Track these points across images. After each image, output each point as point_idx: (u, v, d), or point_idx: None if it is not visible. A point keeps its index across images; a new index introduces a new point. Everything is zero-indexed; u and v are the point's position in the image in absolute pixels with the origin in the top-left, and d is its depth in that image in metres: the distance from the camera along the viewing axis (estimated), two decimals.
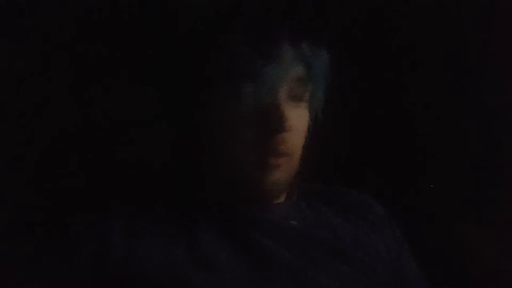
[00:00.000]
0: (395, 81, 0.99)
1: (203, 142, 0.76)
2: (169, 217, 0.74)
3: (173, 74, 0.78)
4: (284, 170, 0.74)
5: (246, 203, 0.75)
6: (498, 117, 0.95)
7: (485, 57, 0.95)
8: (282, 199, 0.80)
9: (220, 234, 0.73)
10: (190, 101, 0.76)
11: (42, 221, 0.76)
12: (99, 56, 0.87)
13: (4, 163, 0.80)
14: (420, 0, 0.95)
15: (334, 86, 0.79)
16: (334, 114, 0.80)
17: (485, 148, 0.95)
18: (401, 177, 0.98)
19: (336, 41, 0.80)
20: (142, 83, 0.86)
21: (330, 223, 0.80)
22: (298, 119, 0.75)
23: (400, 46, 0.98)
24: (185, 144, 0.79)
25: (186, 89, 0.76)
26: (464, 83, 0.96)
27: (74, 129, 0.85)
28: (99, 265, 0.69)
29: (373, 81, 0.98)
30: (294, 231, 0.77)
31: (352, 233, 0.80)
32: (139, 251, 0.70)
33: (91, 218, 0.73)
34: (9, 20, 0.81)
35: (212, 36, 0.75)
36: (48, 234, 0.72)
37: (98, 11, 0.86)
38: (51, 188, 0.82)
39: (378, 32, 0.98)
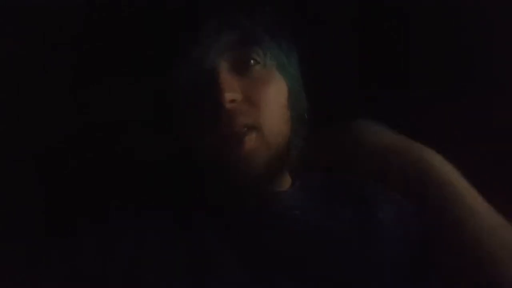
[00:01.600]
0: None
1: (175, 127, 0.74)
2: (167, 213, 0.71)
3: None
4: (255, 144, 0.69)
5: (237, 192, 0.72)
6: None
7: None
8: (282, 184, 0.77)
9: (220, 231, 0.70)
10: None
11: (43, 222, 0.74)
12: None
13: (4, 163, 0.80)
14: None
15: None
16: None
17: None
18: None
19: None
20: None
21: (331, 212, 0.77)
22: (254, 88, 0.71)
23: None
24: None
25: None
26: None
27: (73, 128, 0.84)
28: (101, 266, 0.67)
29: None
30: (298, 222, 0.74)
31: (355, 221, 0.76)
32: (141, 252, 0.68)
33: (92, 219, 0.71)
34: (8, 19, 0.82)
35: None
36: (49, 235, 0.71)
37: None
38: (51, 188, 0.81)
39: None
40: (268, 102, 0.72)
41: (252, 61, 0.72)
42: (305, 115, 0.77)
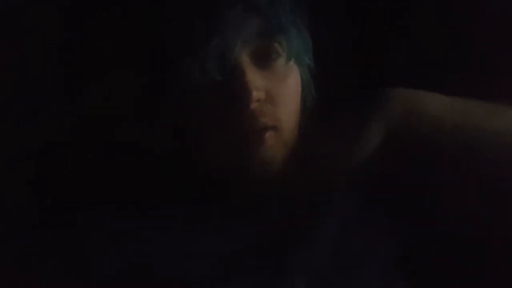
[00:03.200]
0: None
1: (185, 129, 0.70)
2: (174, 212, 0.68)
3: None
4: (274, 145, 0.66)
5: (242, 188, 0.69)
6: None
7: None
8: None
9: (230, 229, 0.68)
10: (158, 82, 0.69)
11: (41, 221, 0.73)
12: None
13: (3, 161, 0.77)
14: None
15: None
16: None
17: None
18: None
19: None
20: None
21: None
22: (276, 85, 0.67)
23: None
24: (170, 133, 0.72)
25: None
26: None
27: (70, 125, 0.80)
28: (104, 265, 0.65)
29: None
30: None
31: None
32: (144, 249, 0.66)
33: (93, 216, 0.69)
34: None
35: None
36: (50, 232, 0.69)
37: None
38: (51, 185, 0.78)
39: None
40: (287, 99, 0.68)
41: (274, 54, 0.67)
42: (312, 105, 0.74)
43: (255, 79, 0.65)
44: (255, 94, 0.64)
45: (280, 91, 0.67)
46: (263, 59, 0.67)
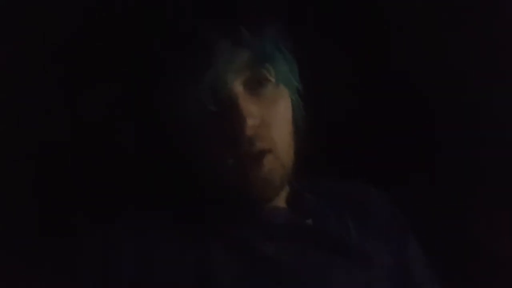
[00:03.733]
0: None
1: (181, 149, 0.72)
2: (176, 220, 0.71)
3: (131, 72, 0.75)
4: (271, 167, 0.69)
5: (240, 207, 0.71)
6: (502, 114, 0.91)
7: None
8: (281, 197, 0.76)
9: (228, 244, 0.69)
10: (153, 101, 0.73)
11: (42, 223, 0.75)
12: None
13: (5, 164, 0.78)
14: None
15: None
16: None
17: (492, 143, 0.91)
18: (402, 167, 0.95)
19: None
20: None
21: (339, 220, 0.77)
22: (268, 111, 0.69)
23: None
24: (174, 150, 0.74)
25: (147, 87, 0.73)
26: (470, 83, 0.92)
27: (71, 129, 0.83)
28: (104, 273, 0.66)
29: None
30: (311, 229, 0.75)
31: (360, 231, 0.76)
32: (146, 261, 0.67)
33: (96, 224, 0.71)
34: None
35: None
36: (49, 237, 0.71)
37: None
38: (54, 191, 0.80)
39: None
40: (280, 122, 0.71)
41: (264, 80, 0.70)
42: (302, 124, 0.76)
43: (248, 106, 0.67)
44: (250, 121, 0.66)
45: (273, 114, 0.70)
46: (254, 87, 0.69)
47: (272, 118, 0.70)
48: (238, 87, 0.68)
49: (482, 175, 0.91)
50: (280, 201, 0.76)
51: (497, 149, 0.89)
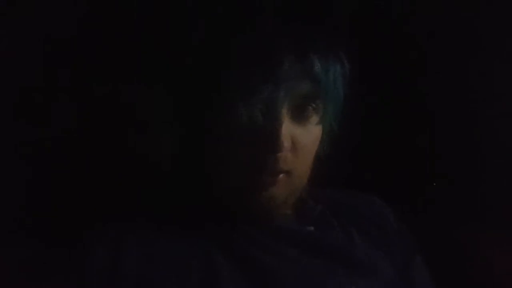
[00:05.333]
0: (410, 92, 0.97)
1: (206, 153, 0.74)
2: (181, 224, 0.73)
3: (177, 84, 0.76)
4: (281, 187, 0.71)
5: (246, 216, 0.74)
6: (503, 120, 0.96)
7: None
8: (289, 212, 0.79)
9: (231, 252, 0.72)
10: (192, 113, 0.74)
11: (46, 228, 0.76)
12: (107, 57, 0.85)
13: (8, 167, 0.79)
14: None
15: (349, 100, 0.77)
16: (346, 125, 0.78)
17: (490, 150, 0.96)
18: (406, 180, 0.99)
19: (350, 52, 0.77)
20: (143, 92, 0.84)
21: (343, 230, 0.80)
22: (303, 137, 0.72)
23: (418, 58, 0.96)
24: (189, 154, 0.77)
25: (188, 102, 0.74)
26: (474, 89, 0.96)
27: (82, 133, 0.84)
28: (109, 277, 0.68)
29: (389, 93, 0.96)
30: (312, 236, 0.77)
31: (364, 242, 0.80)
32: (149, 270, 0.69)
33: (100, 227, 0.72)
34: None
35: (213, 48, 0.71)
36: (53, 244, 0.72)
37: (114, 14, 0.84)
38: (58, 194, 0.82)
39: (394, 43, 0.95)
40: (307, 151, 0.73)
41: (310, 114, 0.72)
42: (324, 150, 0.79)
43: (288, 131, 0.69)
44: (285, 145, 0.69)
45: (303, 144, 0.72)
46: (299, 115, 0.71)
47: (301, 146, 0.72)
48: (285, 111, 0.70)
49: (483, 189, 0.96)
50: (286, 207, 0.77)
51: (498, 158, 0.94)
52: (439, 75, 0.95)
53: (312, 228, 0.79)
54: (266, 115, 0.69)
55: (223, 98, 0.70)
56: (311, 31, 0.73)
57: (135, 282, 0.67)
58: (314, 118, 0.73)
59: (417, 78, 0.97)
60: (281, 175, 0.71)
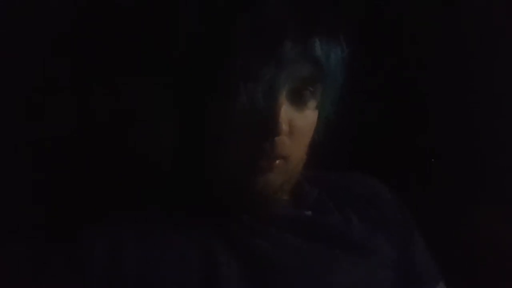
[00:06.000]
0: (412, 81, 0.96)
1: (208, 137, 0.73)
2: (179, 219, 0.72)
3: (176, 67, 0.74)
4: (279, 172, 0.70)
5: (243, 204, 0.73)
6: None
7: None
8: (286, 197, 0.78)
9: (231, 246, 0.71)
10: (194, 95, 0.72)
11: (47, 227, 0.76)
12: (106, 51, 0.84)
13: (8, 166, 0.78)
14: None
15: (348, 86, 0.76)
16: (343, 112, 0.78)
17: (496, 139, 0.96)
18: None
19: (352, 37, 0.75)
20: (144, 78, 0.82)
21: (341, 213, 0.79)
22: (300, 121, 0.71)
23: (420, 44, 0.95)
24: (187, 142, 0.76)
25: (189, 83, 0.72)
26: (476, 82, 0.96)
27: (81, 130, 0.83)
28: (109, 276, 0.67)
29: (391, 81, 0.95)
30: (310, 221, 0.77)
31: (362, 224, 0.79)
32: (148, 262, 0.68)
33: (100, 226, 0.71)
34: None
35: (213, 30, 0.70)
36: (53, 242, 0.71)
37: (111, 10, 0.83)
38: (56, 192, 0.81)
39: (398, 30, 0.94)
40: (303, 136, 0.72)
41: (308, 98, 0.71)
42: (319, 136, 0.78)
43: (286, 115, 0.69)
44: (284, 128, 0.68)
45: (300, 128, 0.71)
46: (297, 99, 0.70)
47: (298, 130, 0.71)
48: (284, 93, 0.69)
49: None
50: (283, 193, 0.77)
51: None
52: (438, 64, 0.95)
53: (310, 212, 0.78)
54: (266, 97, 0.68)
55: (224, 80, 0.68)
56: (314, 13, 0.72)
57: (135, 281, 0.67)
58: (312, 103, 0.72)
59: (416, 67, 0.96)
60: (278, 161, 0.70)
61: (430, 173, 0.97)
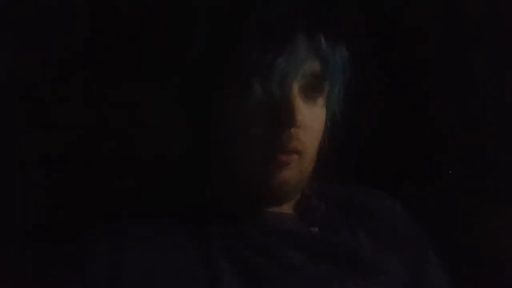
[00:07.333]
0: (418, 79, 0.96)
1: (215, 136, 0.73)
2: (182, 225, 0.71)
3: (186, 66, 0.75)
4: (294, 169, 0.70)
5: (255, 203, 0.73)
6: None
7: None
8: (294, 199, 0.77)
9: (232, 257, 0.69)
10: (203, 93, 0.73)
11: (48, 230, 0.76)
12: (112, 53, 0.84)
13: (7, 167, 0.79)
14: None
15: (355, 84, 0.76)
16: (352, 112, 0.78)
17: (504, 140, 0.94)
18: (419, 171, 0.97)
19: (358, 36, 0.77)
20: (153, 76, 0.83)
21: (350, 230, 0.77)
22: (311, 116, 0.71)
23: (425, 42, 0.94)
24: (198, 139, 0.76)
25: (199, 81, 0.73)
26: (486, 82, 0.94)
27: (88, 134, 0.83)
28: (110, 278, 0.66)
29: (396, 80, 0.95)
30: (317, 239, 0.75)
31: (373, 242, 0.77)
32: (151, 264, 0.67)
33: (101, 228, 0.71)
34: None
35: (225, 26, 0.71)
36: (56, 243, 0.71)
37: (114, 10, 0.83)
38: (62, 195, 0.81)
39: (404, 27, 0.94)
40: (315, 131, 0.73)
41: (317, 93, 0.72)
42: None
43: (301, 109, 0.69)
44: (300, 119, 0.68)
45: (311, 124, 0.71)
46: (307, 95, 0.71)
47: (311, 126, 0.71)
48: (296, 87, 0.70)
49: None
50: (288, 208, 0.76)
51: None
52: (442, 62, 0.94)
53: (316, 229, 0.76)
54: (280, 89, 0.69)
55: (238, 75, 0.69)
56: (321, 12, 0.73)
57: (136, 283, 0.66)
58: (321, 100, 0.73)
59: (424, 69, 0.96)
60: (294, 155, 0.70)
61: (432, 174, 0.96)
